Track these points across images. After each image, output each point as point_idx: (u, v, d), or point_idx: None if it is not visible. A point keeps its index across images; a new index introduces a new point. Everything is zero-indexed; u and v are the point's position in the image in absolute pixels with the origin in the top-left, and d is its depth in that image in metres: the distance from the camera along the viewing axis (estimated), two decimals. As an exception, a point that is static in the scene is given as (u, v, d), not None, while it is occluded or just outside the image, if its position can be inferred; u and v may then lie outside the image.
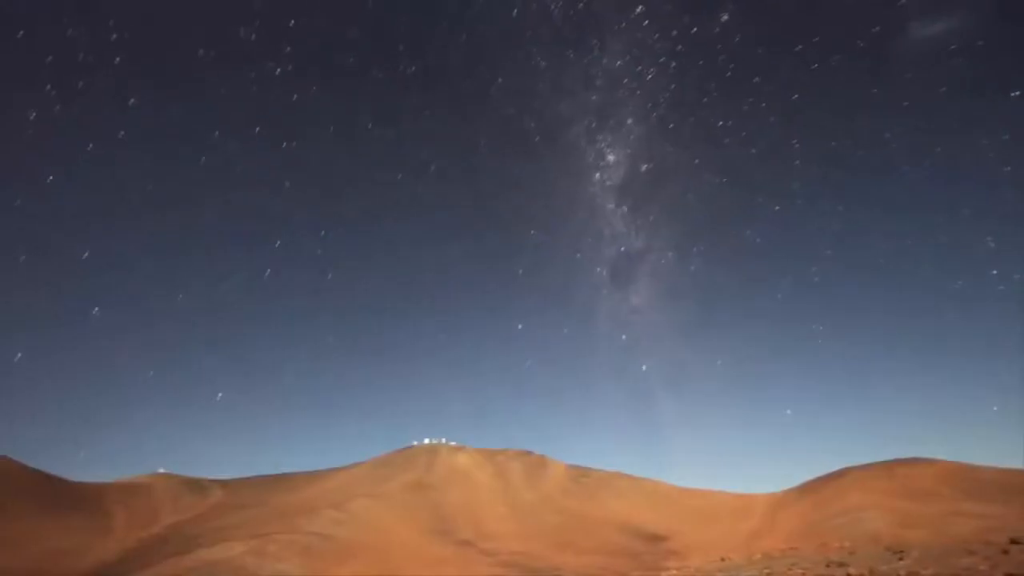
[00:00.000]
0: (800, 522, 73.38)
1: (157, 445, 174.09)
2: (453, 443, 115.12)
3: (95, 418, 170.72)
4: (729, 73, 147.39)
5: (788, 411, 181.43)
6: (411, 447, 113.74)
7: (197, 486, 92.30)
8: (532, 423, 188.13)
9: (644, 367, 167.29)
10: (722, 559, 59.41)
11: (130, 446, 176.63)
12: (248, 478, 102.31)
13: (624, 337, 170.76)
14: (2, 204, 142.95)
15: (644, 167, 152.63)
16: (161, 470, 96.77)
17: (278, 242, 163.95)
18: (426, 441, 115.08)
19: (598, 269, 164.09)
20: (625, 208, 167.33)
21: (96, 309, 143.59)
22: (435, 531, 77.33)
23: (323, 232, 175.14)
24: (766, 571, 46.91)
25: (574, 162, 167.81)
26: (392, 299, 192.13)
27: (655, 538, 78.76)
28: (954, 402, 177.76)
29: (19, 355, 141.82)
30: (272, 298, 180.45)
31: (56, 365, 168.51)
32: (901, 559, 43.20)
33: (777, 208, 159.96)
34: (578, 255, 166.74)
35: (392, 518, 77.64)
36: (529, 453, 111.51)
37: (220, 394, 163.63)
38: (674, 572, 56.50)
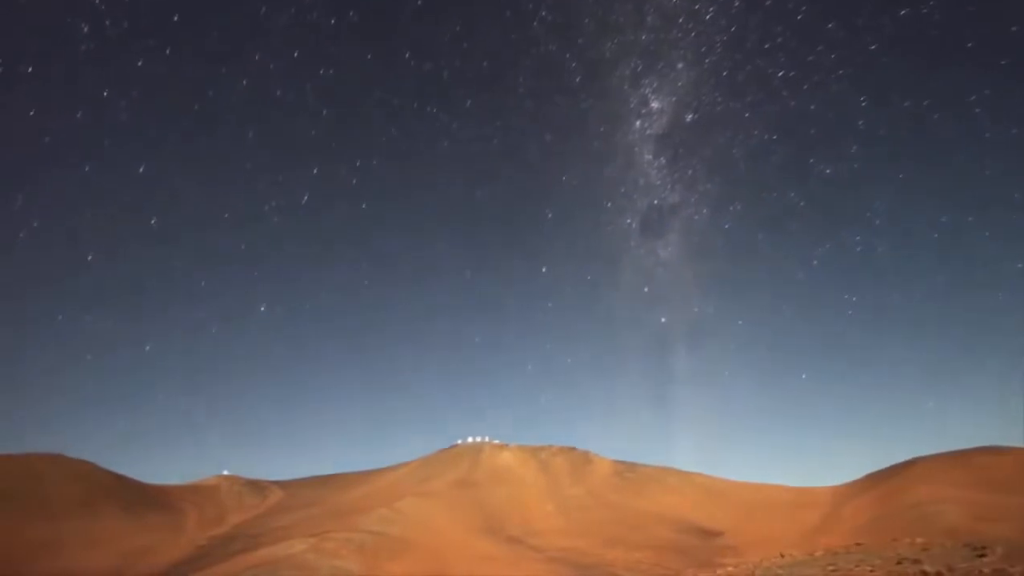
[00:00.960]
0: (866, 516, 69.59)
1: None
2: (496, 441, 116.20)
3: (161, 315, 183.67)
4: (800, 16, 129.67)
5: (803, 375, 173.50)
6: (455, 446, 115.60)
7: (257, 487, 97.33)
8: (548, 362, 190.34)
9: (663, 319, 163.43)
10: (781, 555, 57.12)
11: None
12: (302, 479, 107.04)
13: (646, 289, 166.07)
14: (64, 116, 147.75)
15: (689, 117, 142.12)
16: (225, 472, 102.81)
17: (315, 169, 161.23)
18: (469, 440, 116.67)
19: (628, 220, 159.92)
20: (663, 159, 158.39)
21: (154, 220, 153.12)
22: (483, 528, 78.30)
23: (358, 162, 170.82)
24: (831, 568, 44.75)
25: (615, 107, 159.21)
26: (421, 233, 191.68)
27: (709, 534, 76.66)
28: (985, 389, 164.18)
29: (90, 256, 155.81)
30: (311, 222, 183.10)
31: (124, 262, 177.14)
32: (983, 555, 40.19)
33: (829, 171, 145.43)
34: (609, 204, 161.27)
35: (440, 516, 79.19)
36: (572, 449, 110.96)
37: (263, 307, 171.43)
38: (730, 569, 54.81)
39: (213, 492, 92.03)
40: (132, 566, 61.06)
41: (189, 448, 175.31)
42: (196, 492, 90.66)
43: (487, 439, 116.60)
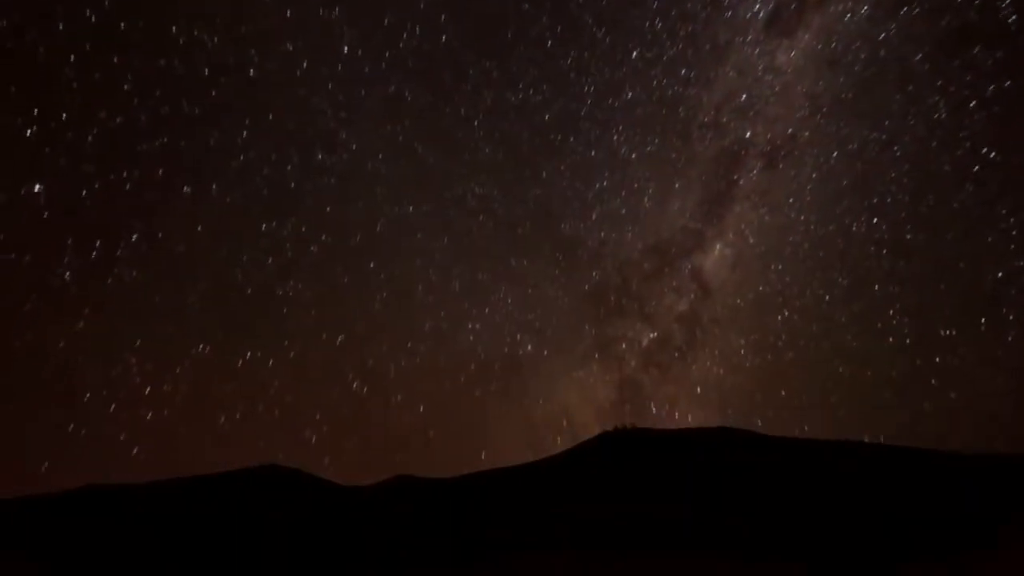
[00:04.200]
0: None
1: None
2: (639, 425, 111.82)
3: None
4: None
5: (875, 220, 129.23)
6: (599, 435, 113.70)
7: (430, 486, 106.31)
8: (612, 154, 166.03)
9: (748, 134, 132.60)
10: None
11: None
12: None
13: (744, 97, 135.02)
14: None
15: None
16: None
17: None
18: (612, 427, 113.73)
19: (756, 7, 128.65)
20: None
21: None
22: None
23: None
24: None
25: None
26: None
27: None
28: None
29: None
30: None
31: None
32: None
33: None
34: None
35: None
36: (728, 429, 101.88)
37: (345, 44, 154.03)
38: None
39: (394, 494, 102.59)
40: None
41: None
42: (383, 492, 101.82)
43: (630, 425, 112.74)
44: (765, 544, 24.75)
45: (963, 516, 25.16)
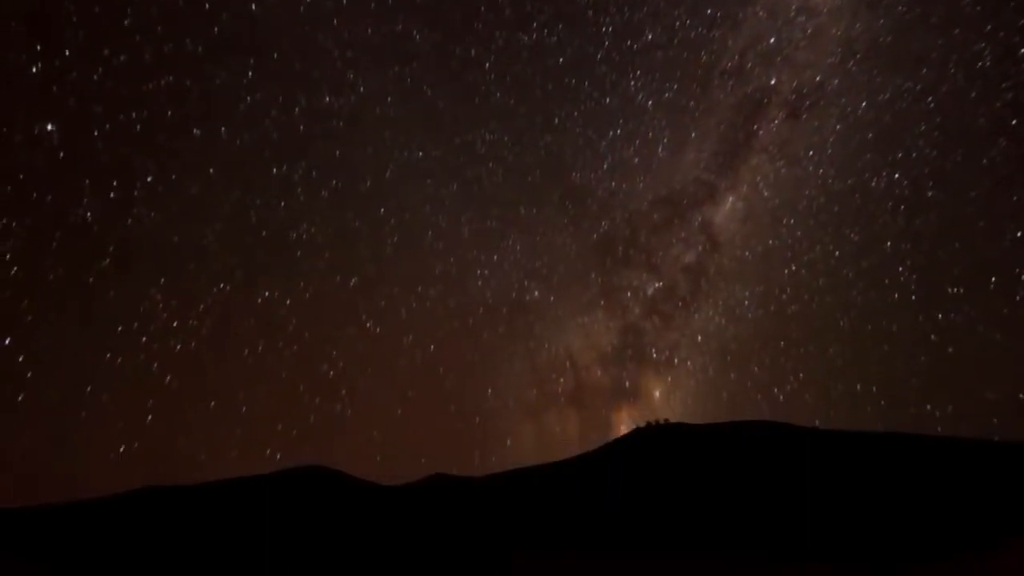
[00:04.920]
0: None
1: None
2: (673, 420, 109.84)
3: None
4: None
5: (895, 174, 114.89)
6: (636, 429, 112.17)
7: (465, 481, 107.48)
8: (629, 101, 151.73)
9: (772, 81, 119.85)
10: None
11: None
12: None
13: (772, 40, 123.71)
14: None
15: None
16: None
17: None
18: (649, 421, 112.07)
19: None
20: None
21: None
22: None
23: None
24: None
25: None
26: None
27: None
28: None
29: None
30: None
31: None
32: None
33: None
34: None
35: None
36: (770, 422, 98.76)
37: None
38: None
39: (427, 495, 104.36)
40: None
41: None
42: (417, 493, 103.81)
43: (664, 420, 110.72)
44: (768, 544, 24.97)
45: (966, 514, 24.53)
